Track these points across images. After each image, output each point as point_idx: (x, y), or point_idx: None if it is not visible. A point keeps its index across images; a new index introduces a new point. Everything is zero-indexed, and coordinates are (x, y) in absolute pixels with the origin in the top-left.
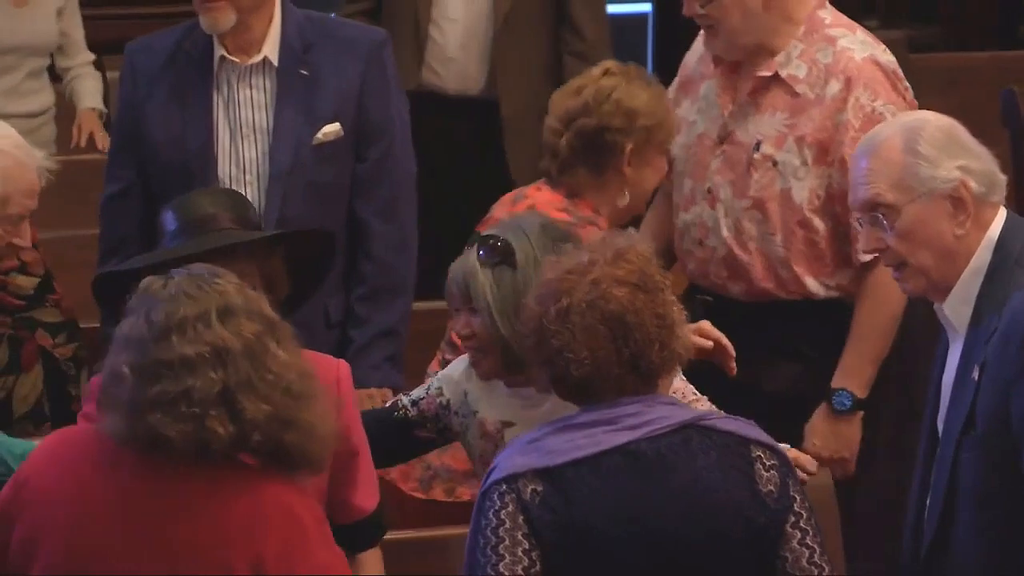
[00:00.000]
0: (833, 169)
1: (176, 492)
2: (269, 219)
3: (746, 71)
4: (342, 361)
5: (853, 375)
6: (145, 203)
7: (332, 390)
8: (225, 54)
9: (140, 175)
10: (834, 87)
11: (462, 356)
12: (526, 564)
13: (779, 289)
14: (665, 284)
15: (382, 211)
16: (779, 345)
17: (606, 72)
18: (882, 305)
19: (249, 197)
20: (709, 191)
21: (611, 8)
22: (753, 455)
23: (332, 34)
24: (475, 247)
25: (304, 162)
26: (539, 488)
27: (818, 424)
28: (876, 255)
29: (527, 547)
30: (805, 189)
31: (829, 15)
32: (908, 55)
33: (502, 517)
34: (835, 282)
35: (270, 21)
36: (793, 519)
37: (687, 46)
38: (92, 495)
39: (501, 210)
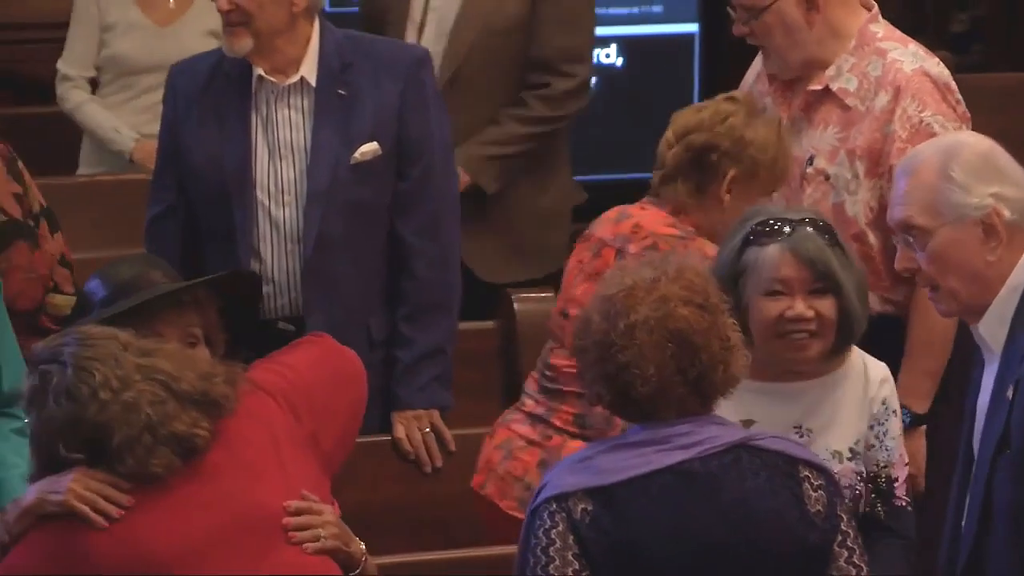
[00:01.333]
0: (883, 181)
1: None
2: (308, 238)
3: (798, 86)
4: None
5: (911, 392)
6: (187, 224)
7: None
8: (263, 74)
9: (181, 196)
10: (883, 99)
11: None
12: None
13: None
14: (725, 306)
15: (423, 229)
16: None
17: (730, 99)
18: (934, 320)
19: (288, 217)
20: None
21: (658, 28)
22: (801, 475)
23: (371, 53)
24: (805, 227)
25: (342, 181)
26: (589, 507)
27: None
28: None
29: (577, 567)
30: (858, 203)
31: (881, 29)
32: (957, 75)
33: (552, 536)
34: (891, 296)
35: (307, 42)
36: (840, 538)
37: (734, 66)
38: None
39: (603, 228)
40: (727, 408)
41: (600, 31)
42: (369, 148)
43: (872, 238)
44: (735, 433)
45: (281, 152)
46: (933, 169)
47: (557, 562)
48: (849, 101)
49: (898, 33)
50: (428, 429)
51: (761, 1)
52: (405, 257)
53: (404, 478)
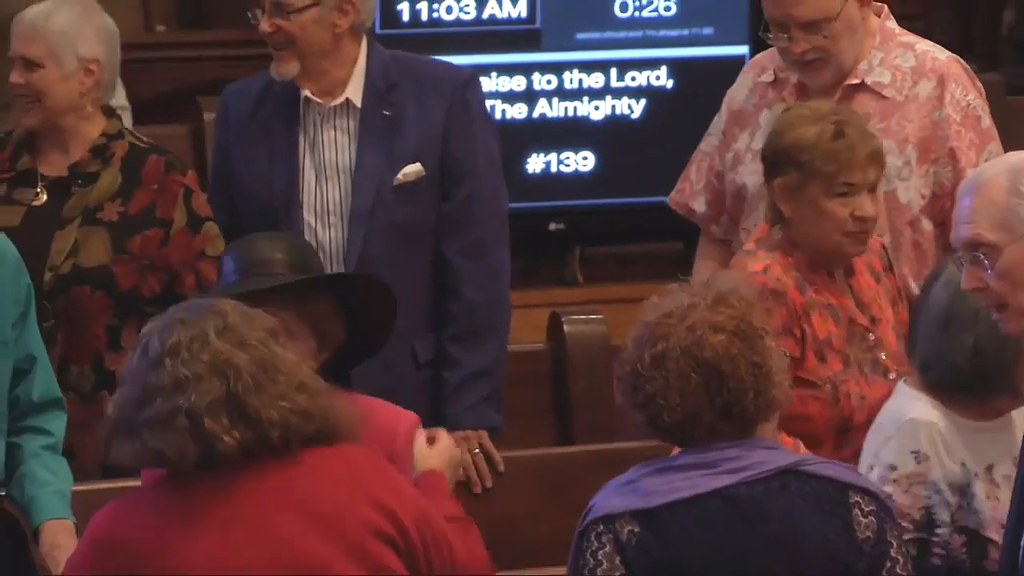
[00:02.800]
0: (939, 166)
1: (262, 492)
2: (351, 259)
3: (806, 89)
4: (410, 414)
5: None
6: None
7: (384, 441)
8: (309, 96)
9: (234, 216)
10: (926, 86)
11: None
12: None
13: None
14: (766, 331)
15: (469, 250)
16: None
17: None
18: None
19: (332, 238)
20: None
21: (708, 50)
22: (851, 500)
23: (417, 73)
24: None
25: (385, 202)
26: (636, 529)
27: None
28: None
29: None
30: (911, 189)
31: (895, 25)
32: (1006, 97)
33: (599, 558)
34: None
35: (353, 63)
36: (889, 564)
37: None
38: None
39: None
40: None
41: (650, 53)
42: (412, 169)
43: (925, 224)
44: (785, 458)
45: (327, 173)
46: (1001, 186)
47: None
48: (886, 92)
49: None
50: (477, 450)
51: (832, 10)
52: (451, 278)
53: (470, 493)
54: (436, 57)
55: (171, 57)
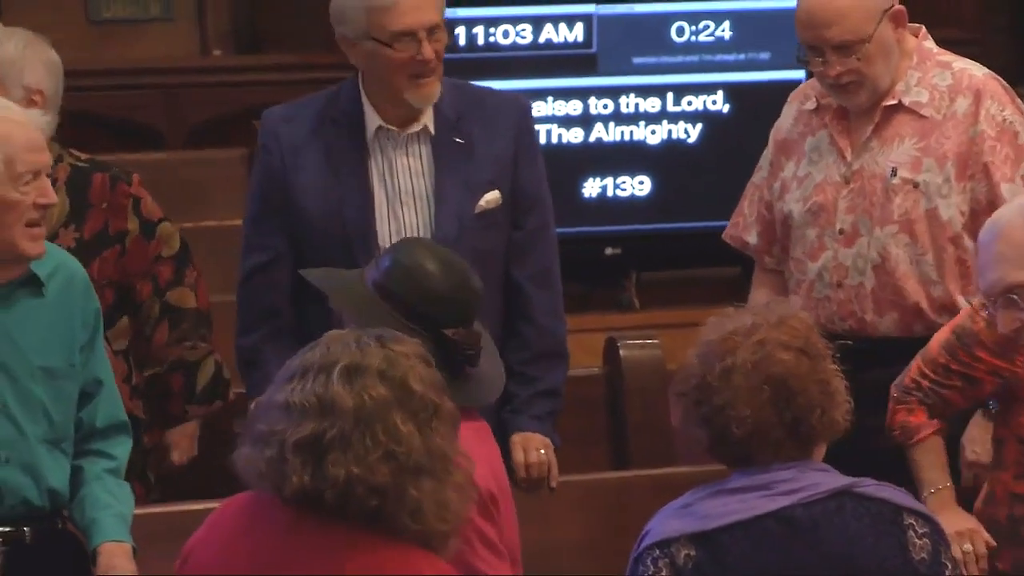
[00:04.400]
0: (975, 182)
1: (304, 551)
2: None
3: (859, 114)
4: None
5: None
6: (294, 272)
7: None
8: (383, 123)
9: (291, 244)
10: (963, 103)
11: None
12: None
13: (932, 310)
14: (827, 352)
15: (538, 278)
16: None
17: None
18: None
19: None
20: (841, 232)
21: (764, 75)
22: (906, 522)
23: (480, 102)
24: None
25: (468, 230)
26: (692, 553)
27: (974, 432)
28: None
29: None
30: (952, 206)
31: (933, 45)
32: None
33: None
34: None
35: None
36: None
37: None
38: (241, 560)
39: None
40: None
41: (706, 78)
42: (492, 197)
43: (967, 241)
44: (838, 480)
45: (402, 200)
46: (1019, 227)
47: None
48: (924, 112)
49: (945, 51)
50: (543, 450)
51: (865, 32)
52: (523, 303)
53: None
54: (493, 82)
55: (227, 81)
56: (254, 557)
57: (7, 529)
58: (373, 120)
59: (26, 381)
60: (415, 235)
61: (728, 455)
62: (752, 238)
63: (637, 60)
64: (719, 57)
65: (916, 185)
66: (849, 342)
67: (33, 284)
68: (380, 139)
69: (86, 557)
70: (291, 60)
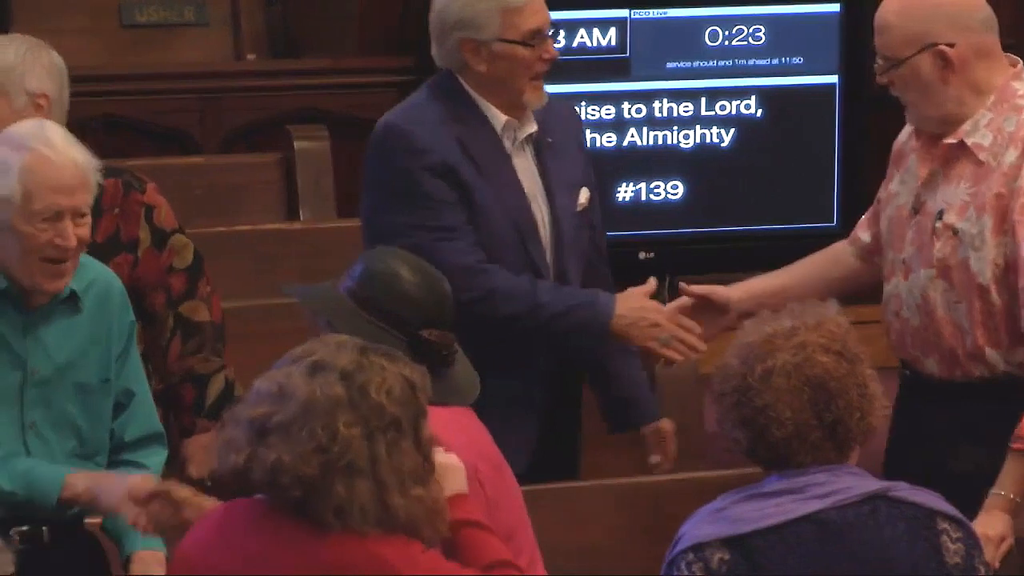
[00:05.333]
0: (1008, 237)
1: (274, 544)
2: (560, 281)
3: (939, 141)
4: None
5: None
6: None
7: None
8: (510, 121)
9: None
10: (1012, 154)
11: None
12: None
13: (966, 359)
14: (864, 356)
15: (604, 278)
16: (968, 425)
17: None
18: None
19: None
20: (904, 262)
21: (797, 80)
22: (940, 527)
23: (550, 108)
24: None
25: (577, 228)
26: (726, 557)
27: (1010, 469)
28: None
29: None
30: (983, 260)
31: (1022, 87)
32: None
33: None
34: (1010, 358)
35: None
36: None
37: (875, 118)
38: (226, 562)
39: None
40: None
41: (739, 82)
42: (586, 195)
43: (995, 295)
44: (872, 484)
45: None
46: None
47: None
48: (982, 156)
49: None
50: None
51: (899, 54)
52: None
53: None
54: None
55: (261, 86)
56: (231, 552)
57: (25, 528)
58: (499, 117)
59: (60, 399)
60: (541, 232)
61: (766, 457)
62: (865, 236)
63: (670, 65)
64: (752, 62)
65: (955, 232)
66: (907, 372)
67: (71, 301)
68: (506, 141)
69: (103, 559)
70: (325, 65)
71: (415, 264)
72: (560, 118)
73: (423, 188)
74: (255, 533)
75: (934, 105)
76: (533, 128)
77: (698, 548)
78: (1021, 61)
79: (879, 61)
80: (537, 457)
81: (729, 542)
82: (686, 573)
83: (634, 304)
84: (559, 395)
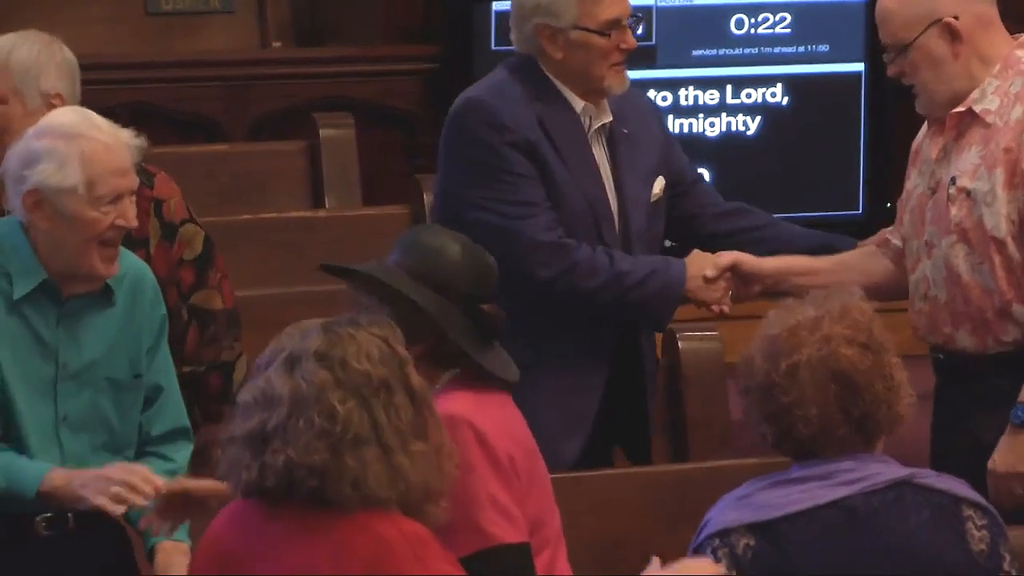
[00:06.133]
0: (1019, 191)
1: (266, 535)
2: None
3: (942, 119)
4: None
5: None
6: None
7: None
8: (588, 106)
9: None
10: (1018, 110)
11: None
12: None
13: (996, 319)
14: (889, 345)
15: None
16: (1005, 398)
17: None
18: None
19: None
20: (926, 243)
21: (823, 68)
22: (965, 514)
23: (625, 96)
24: None
25: (649, 218)
26: (752, 542)
27: (1001, 440)
28: None
29: None
30: (997, 214)
31: None
32: None
33: None
34: None
35: None
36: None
37: (900, 105)
38: (209, 558)
39: None
40: None
41: (765, 70)
42: (660, 186)
43: (1012, 249)
44: (898, 471)
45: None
46: None
47: None
48: (989, 119)
49: None
50: None
51: (905, 37)
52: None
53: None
54: None
55: (287, 73)
56: (228, 556)
57: (50, 515)
58: (577, 101)
59: (92, 393)
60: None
61: (793, 451)
62: (896, 240)
63: (696, 52)
64: (778, 50)
65: (968, 193)
66: (940, 356)
67: (105, 295)
68: (585, 129)
69: (128, 545)
70: (350, 52)
71: (461, 239)
72: (636, 107)
73: (505, 163)
74: (251, 533)
75: (945, 81)
76: (607, 119)
77: (724, 534)
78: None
79: (887, 53)
80: (596, 438)
81: (755, 528)
82: (712, 560)
83: (704, 264)
84: (622, 375)
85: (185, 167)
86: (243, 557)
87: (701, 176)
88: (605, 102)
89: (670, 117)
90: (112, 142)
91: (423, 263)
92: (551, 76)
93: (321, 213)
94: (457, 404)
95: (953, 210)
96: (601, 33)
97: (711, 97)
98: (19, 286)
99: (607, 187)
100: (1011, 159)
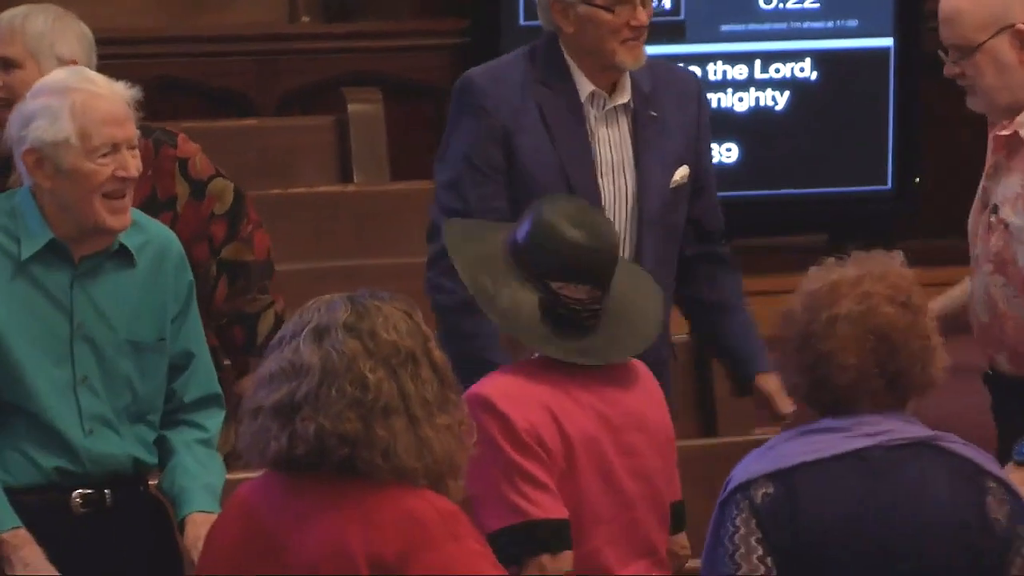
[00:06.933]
0: None
1: (294, 507)
2: (631, 256)
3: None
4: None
5: None
6: None
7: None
8: (597, 91)
9: (512, 207)
10: None
11: None
12: (762, 572)
13: None
14: (927, 308)
15: (720, 256)
16: None
17: None
18: None
19: None
20: (976, 258)
21: (852, 42)
22: (987, 485)
23: (667, 76)
24: None
25: (666, 204)
26: (770, 490)
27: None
28: None
29: (761, 553)
30: None
31: None
32: None
33: (737, 524)
34: None
35: None
36: (1018, 544)
37: (929, 80)
38: (239, 528)
39: None
40: None
41: (794, 45)
42: (683, 172)
43: None
44: (922, 431)
45: (602, 170)
46: None
47: (743, 550)
48: None
49: None
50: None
51: (972, 40)
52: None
53: None
54: None
55: (316, 48)
56: (256, 529)
57: (88, 491)
58: (585, 85)
59: (112, 354)
60: (610, 206)
61: (824, 402)
62: None
63: (725, 28)
64: (807, 24)
65: (1007, 226)
66: (989, 371)
67: (123, 257)
68: (590, 108)
69: (166, 520)
70: (379, 27)
71: (575, 215)
72: (677, 91)
73: (474, 152)
74: (278, 505)
75: (1009, 90)
76: (625, 98)
77: (745, 486)
78: None
79: (948, 52)
80: None
81: (774, 476)
82: (734, 512)
83: None
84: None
85: (214, 142)
86: (273, 528)
87: (710, 192)
88: (627, 82)
89: None
90: (106, 92)
91: (526, 239)
92: (568, 55)
93: (349, 188)
94: (494, 381)
95: (992, 239)
96: (607, 8)
97: (740, 72)
98: (26, 247)
99: (624, 170)
100: None
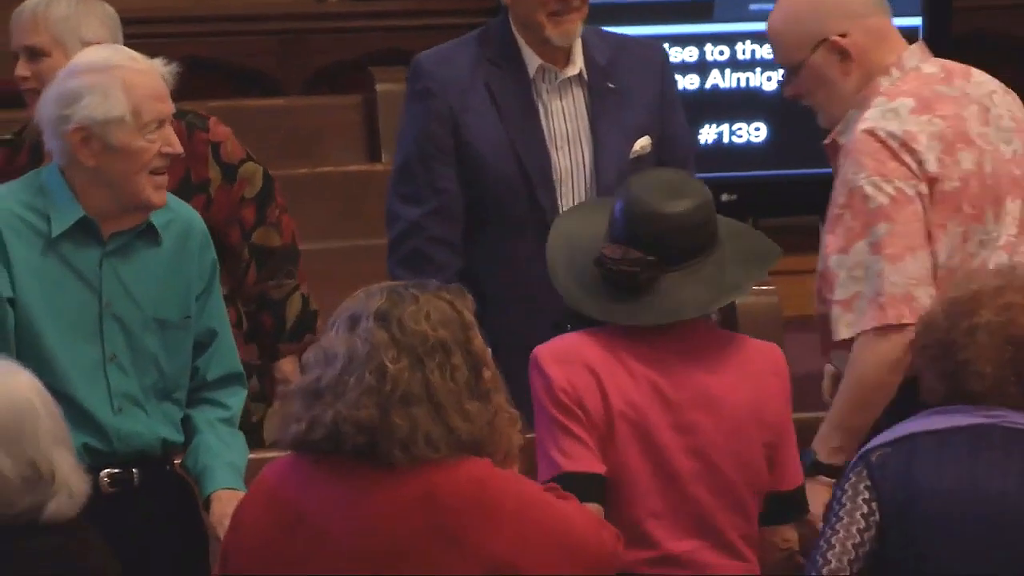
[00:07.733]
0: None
1: (340, 491)
2: None
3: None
4: (774, 347)
5: (819, 437)
6: (466, 215)
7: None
8: (546, 65)
9: (464, 188)
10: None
11: None
12: (861, 526)
13: None
14: None
15: None
16: None
17: None
18: (850, 371)
19: (565, 206)
20: None
21: None
22: None
23: (626, 49)
24: None
25: (624, 175)
26: (888, 450)
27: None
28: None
29: (866, 511)
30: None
31: (888, 81)
32: None
33: (851, 477)
34: None
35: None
36: None
37: (958, 60)
38: (276, 515)
39: None
40: None
41: None
42: (645, 142)
43: None
44: None
45: (557, 143)
46: None
47: (848, 506)
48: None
49: (912, 82)
50: None
51: (795, 59)
52: None
53: None
54: (609, 29)
55: (342, 27)
56: (283, 508)
57: (116, 471)
58: (533, 60)
59: (139, 332)
60: (567, 178)
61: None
62: None
63: (754, 6)
64: None
65: None
66: None
67: (150, 235)
68: (542, 82)
69: (192, 499)
70: (407, 6)
71: (639, 180)
72: (639, 62)
73: (412, 131)
74: (306, 486)
75: (841, 101)
76: (575, 71)
77: (865, 454)
78: (916, 48)
79: (785, 72)
80: None
81: (891, 443)
82: (852, 477)
83: None
84: None
85: (241, 121)
86: (304, 512)
87: (681, 161)
88: (576, 54)
89: (727, 71)
90: (148, 68)
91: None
92: (516, 31)
93: (378, 167)
94: (553, 343)
95: None
96: None
97: (768, 51)
98: (56, 224)
99: (579, 142)
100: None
